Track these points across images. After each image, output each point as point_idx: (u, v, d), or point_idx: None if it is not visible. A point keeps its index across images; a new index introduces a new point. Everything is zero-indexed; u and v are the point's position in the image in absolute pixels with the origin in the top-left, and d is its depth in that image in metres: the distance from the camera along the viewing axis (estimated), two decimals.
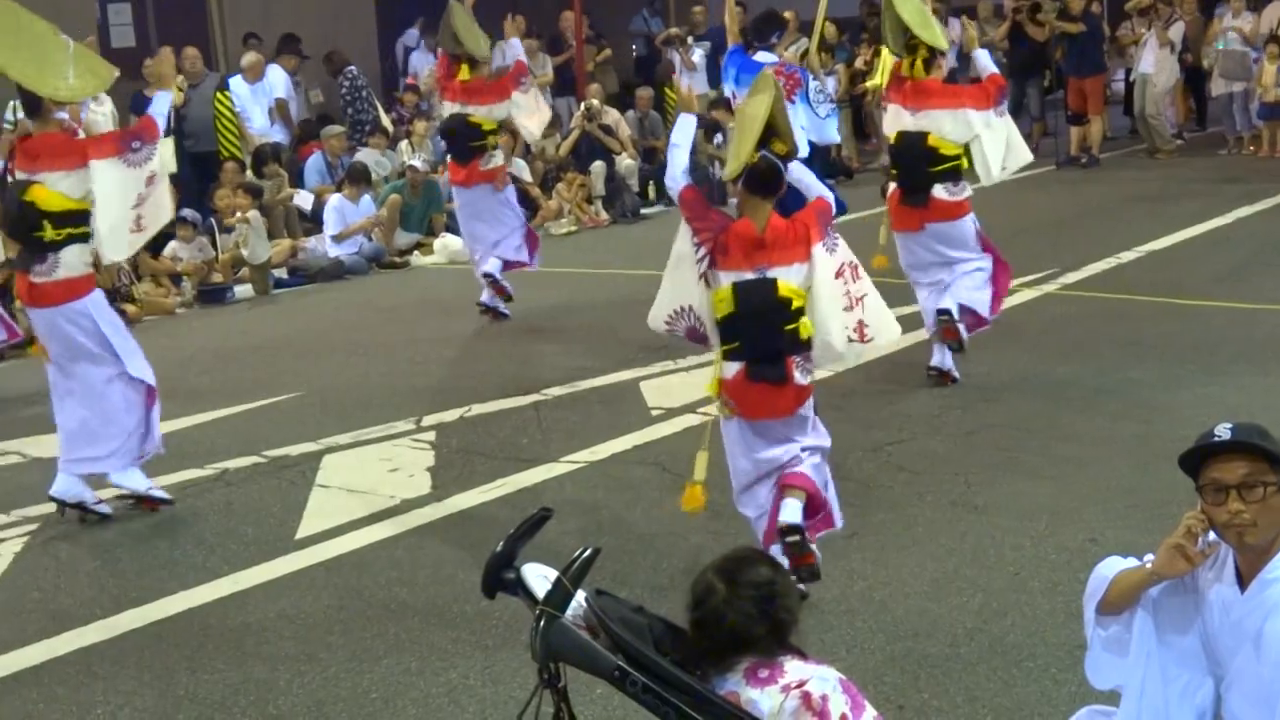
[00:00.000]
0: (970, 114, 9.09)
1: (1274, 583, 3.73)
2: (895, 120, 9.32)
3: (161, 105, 7.96)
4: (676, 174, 6.38)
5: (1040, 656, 5.59)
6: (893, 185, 9.43)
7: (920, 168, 9.08)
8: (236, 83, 16.42)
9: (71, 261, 7.60)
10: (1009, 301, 10.48)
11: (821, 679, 3.58)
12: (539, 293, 12.61)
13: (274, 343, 12.05)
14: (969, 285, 9.17)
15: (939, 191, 9.07)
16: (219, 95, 16.18)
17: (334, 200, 15.22)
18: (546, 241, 15.84)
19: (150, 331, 12.82)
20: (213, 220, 14.83)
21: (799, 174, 6.46)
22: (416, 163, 16.09)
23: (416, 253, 15.65)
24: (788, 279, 6.06)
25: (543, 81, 19.39)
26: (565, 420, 9.17)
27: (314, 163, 16.62)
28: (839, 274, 6.14)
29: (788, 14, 20.25)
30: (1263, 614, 3.72)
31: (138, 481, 7.91)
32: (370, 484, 8.12)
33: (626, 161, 18.01)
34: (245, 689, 5.74)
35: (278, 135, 17.00)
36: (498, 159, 12.02)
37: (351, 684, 5.73)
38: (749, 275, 6.06)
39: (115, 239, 7.70)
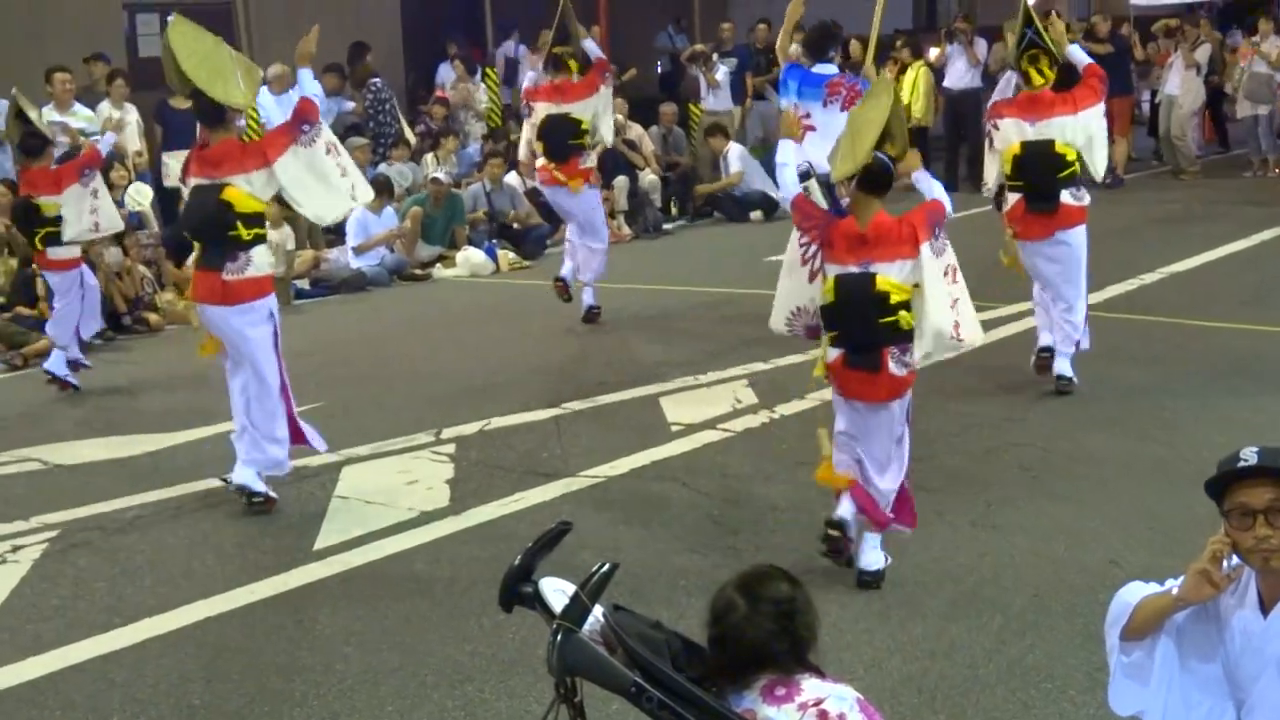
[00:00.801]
0: (1088, 113, 9.31)
1: None
2: (1015, 133, 9.40)
3: (309, 83, 8.46)
4: (787, 186, 6.84)
5: (1059, 678, 5.56)
6: (1014, 196, 9.45)
7: (1049, 176, 9.22)
8: (263, 94, 16.45)
9: (260, 261, 8.03)
10: (1028, 321, 10.47)
11: (839, 698, 3.57)
12: (560, 306, 12.61)
13: (295, 353, 11.96)
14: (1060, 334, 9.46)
15: (1066, 198, 9.22)
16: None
17: (356, 212, 15.21)
18: None
19: (172, 341, 12.88)
20: None
21: (919, 176, 6.83)
22: (440, 175, 16.14)
23: (438, 265, 15.68)
24: (888, 274, 6.37)
25: None
26: (584, 434, 9.17)
27: None
28: (946, 273, 6.47)
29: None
30: None
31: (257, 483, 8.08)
32: (389, 496, 8.13)
33: (649, 177, 18.04)
34: (261, 700, 5.74)
35: None
36: (593, 159, 12.42)
37: (367, 696, 5.72)
38: (852, 269, 6.42)
39: (325, 209, 8.46)
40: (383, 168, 16.46)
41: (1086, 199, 9.46)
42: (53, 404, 10.68)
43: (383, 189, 15.48)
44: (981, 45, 19.62)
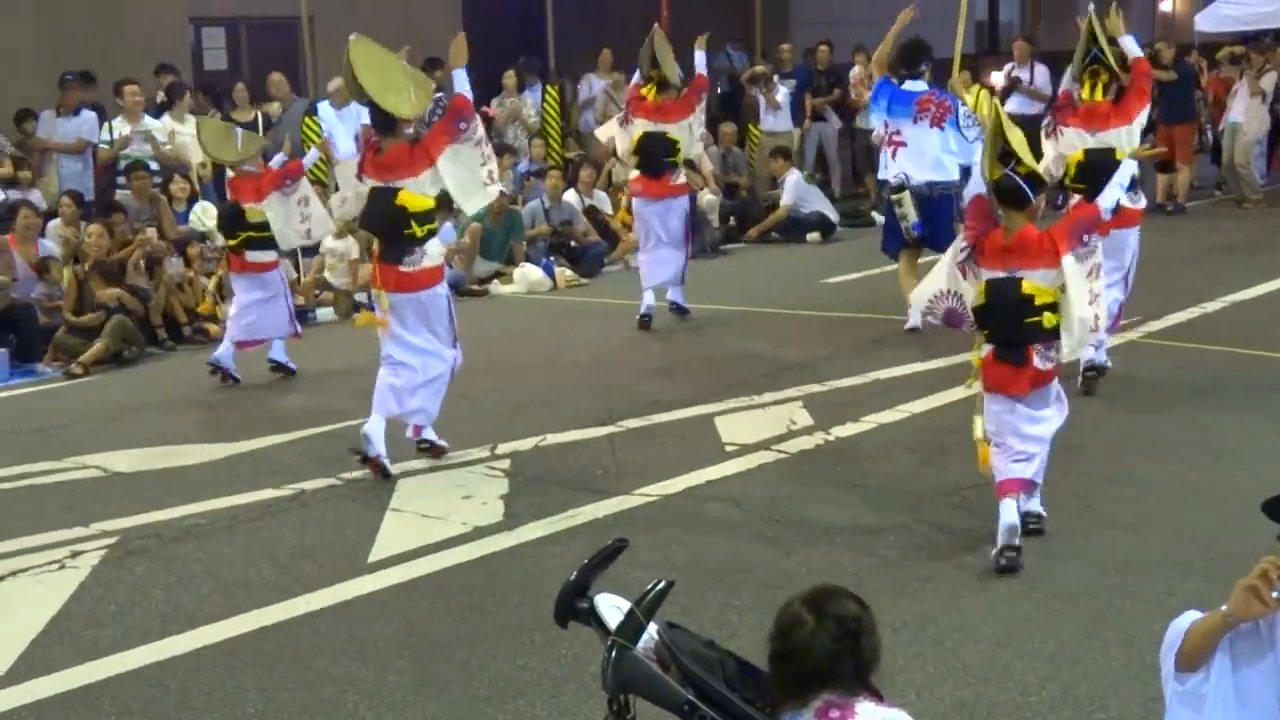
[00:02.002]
0: (1141, 115, 9.95)
1: None
2: (1077, 141, 9.97)
3: (463, 83, 9.09)
4: (973, 188, 7.51)
5: (1113, 709, 5.54)
6: (1077, 197, 9.61)
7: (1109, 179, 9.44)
8: (324, 107, 16.60)
9: (432, 253, 8.94)
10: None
11: None
12: (617, 324, 12.66)
13: (353, 367, 12.10)
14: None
15: (1125, 200, 9.28)
16: (307, 119, 16.39)
17: None
18: (626, 274, 15.94)
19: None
20: None
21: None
22: (502, 189, 16.20)
23: (496, 281, 15.75)
24: (1034, 280, 7.05)
25: None
26: (639, 453, 9.19)
27: None
28: (1089, 274, 7.09)
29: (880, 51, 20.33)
30: None
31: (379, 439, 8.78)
32: (443, 510, 8.18)
33: (708, 197, 18.05)
34: (315, 710, 5.79)
35: None
36: (683, 175, 13.15)
37: (420, 710, 5.76)
38: (1000, 274, 7.11)
39: (476, 200, 9.49)
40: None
41: (1142, 202, 10.11)
42: (113, 413, 10.80)
43: (443, 204, 15.54)
44: (1042, 71, 19.49)
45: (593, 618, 3.58)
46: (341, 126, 16.76)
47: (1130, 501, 7.96)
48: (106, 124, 15.34)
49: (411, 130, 9.11)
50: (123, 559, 7.59)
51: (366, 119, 16.95)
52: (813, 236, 18.04)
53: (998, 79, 19.70)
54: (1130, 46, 10.16)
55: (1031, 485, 7.30)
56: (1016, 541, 6.99)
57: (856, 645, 3.61)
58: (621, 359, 11.94)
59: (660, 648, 3.55)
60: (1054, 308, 7.04)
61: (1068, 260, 6.98)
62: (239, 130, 12.49)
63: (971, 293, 7.26)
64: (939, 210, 12.20)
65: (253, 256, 11.56)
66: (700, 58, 13.06)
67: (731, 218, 18.40)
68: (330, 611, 6.81)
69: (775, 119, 19.90)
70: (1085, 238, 7.09)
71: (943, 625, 6.37)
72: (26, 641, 6.50)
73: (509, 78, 19.32)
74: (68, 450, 9.65)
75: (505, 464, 9.02)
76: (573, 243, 16.56)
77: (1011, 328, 7.12)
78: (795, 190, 18.32)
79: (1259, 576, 3.69)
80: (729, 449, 9.19)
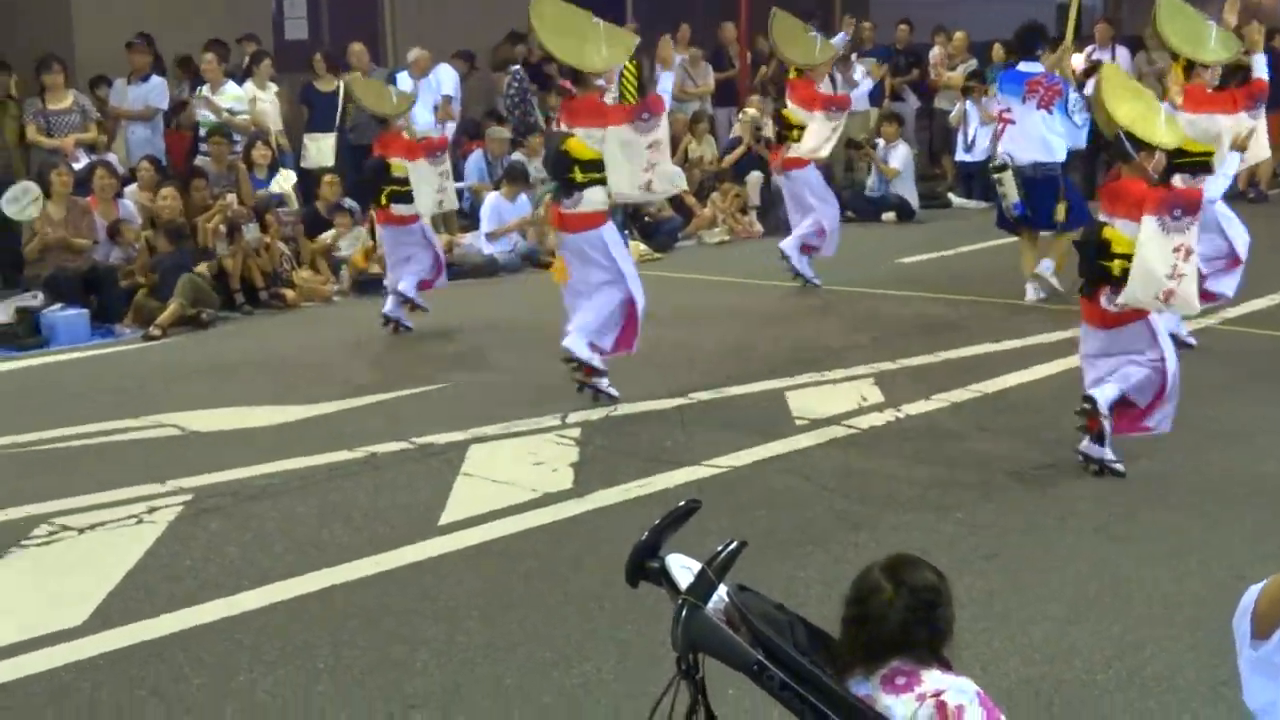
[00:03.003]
0: (1220, 119, 10.24)
1: None
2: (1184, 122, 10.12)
3: (666, 84, 9.95)
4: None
5: (1180, 690, 5.51)
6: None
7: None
8: (403, 78, 16.66)
9: (591, 199, 9.54)
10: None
11: (959, 690, 3.57)
12: (689, 298, 12.65)
13: (426, 334, 12.24)
14: None
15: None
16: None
17: (491, 199, 15.43)
18: (699, 249, 15.94)
19: (307, 317, 13.15)
20: (371, 213, 15.09)
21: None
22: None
23: None
24: (1118, 228, 7.64)
25: (703, 91, 19.48)
26: (709, 425, 9.21)
27: (474, 160, 16.85)
28: (1176, 249, 7.44)
29: (959, 34, 20.18)
30: None
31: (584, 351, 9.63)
32: (514, 476, 8.22)
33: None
34: (383, 668, 5.84)
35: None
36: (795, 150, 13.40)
37: (488, 670, 5.81)
38: (1101, 218, 7.84)
39: (623, 187, 9.65)
40: (518, 156, 16.57)
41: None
42: (190, 374, 10.93)
43: (518, 177, 15.62)
44: (1124, 55, 19.31)
45: (663, 577, 3.58)
46: (421, 100, 16.87)
47: (1201, 488, 7.90)
48: (199, 90, 15.51)
49: (602, 82, 9.63)
50: (198, 516, 7.68)
51: (445, 90, 17.18)
52: (888, 216, 17.95)
53: (1078, 61, 19.50)
54: (1259, 67, 10.53)
55: (1099, 425, 7.88)
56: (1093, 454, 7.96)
57: (931, 615, 3.61)
58: (694, 333, 11.91)
59: (730, 609, 3.55)
60: (1127, 258, 7.49)
61: (1148, 219, 7.44)
62: (392, 87, 13.21)
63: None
64: (1043, 190, 12.39)
65: (398, 209, 12.05)
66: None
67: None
68: (401, 572, 6.87)
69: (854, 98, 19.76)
70: (1177, 212, 7.45)
71: (1009, 603, 6.35)
72: (104, 593, 6.60)
73: None
74: (146, 409, 9.78)
75: (575, 433, 9.06)
76: (647, 218, 16.55)
77: (1089, 266, 7.79)
78: (904, 160, 18.23)
79: None
80: (799, 423, 9.19)
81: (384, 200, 12.07)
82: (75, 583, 6.74)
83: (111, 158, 14.53)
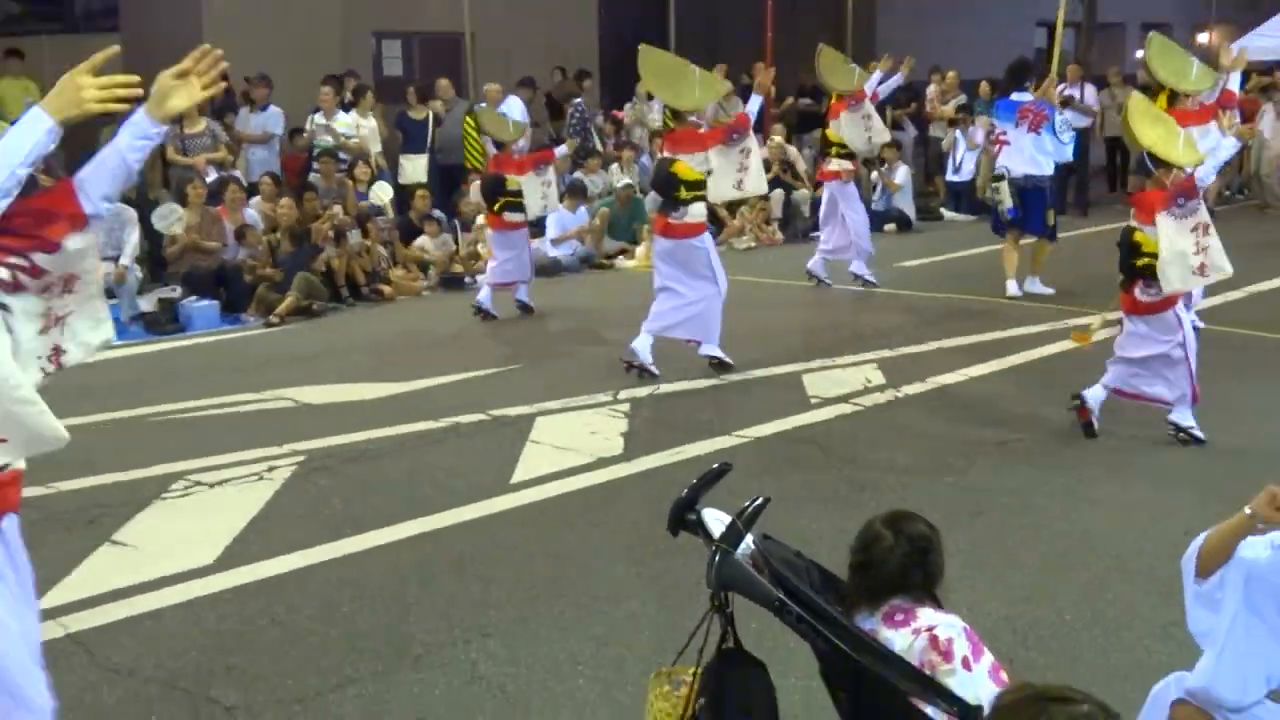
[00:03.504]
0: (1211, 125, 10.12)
1: None
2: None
3: (754, 106, 10.21)
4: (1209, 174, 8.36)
5: (1136, 630, 5.46)
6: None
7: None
8: (484, 109, 16.65)
9: (694, 212, 9.78)
10: None
11: (949, 625, 3.55)
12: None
13: (500, 324, 12.25)
14: None
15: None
16: (466, 118, 16.48)
17: (555, 211, 15.39)
18: (729, 254, 15.87)
19: (400, 309, 13.18)
20: (455, 221, 15.13)
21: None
22: (629, 180, 16.26)
23: (621, 257, 15.77)
24: (1145, 233, 7.68)
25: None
26: (738, 402, 9.18)
27: None
28: (1194, 229, 7.58)
29: (951, 74, 20.04)
30: None
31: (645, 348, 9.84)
32: (573, 443, 8.21)
33: (802, 191, 17.92)
34: (462, 602, 5.86)
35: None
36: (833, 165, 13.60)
37: (550, 605, 5.81)
38: (1132, 223, 7.83)
39: (722, 190, 9.98)
40: (578, 175, 16.57)
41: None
42: (304, 355, 10.97)
43: (578, 192, 15.62)
44: (1091, 92, 19.14)
45: (699, 527, 3.57)
46: None
47: (1158, 456, 7.83)
48: (309, 117, 15.56)
49: (695, 118, 9.88)
50: (308, 474, 7.72)
51: (514, 115, 17.21)
52: (889, 227, 17.84)
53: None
54: (1231, 82, 10.62)
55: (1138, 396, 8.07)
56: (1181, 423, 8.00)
57: (925, 561, 3.60)
58: (725, 324, 11.85)
59: (756, 555, 3.54)
60: (1154, 256, 7.56)
61: (1160, 216, 7.52)
62: (511, 118, 13.53)
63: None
64: (1033, 198, 12.59)
65: (509, 217, 12.24)
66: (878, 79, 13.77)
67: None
68: (478, 522, 6.89)
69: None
70: (1181, 200, 7.55)
71: (991, 554, 6.31)
72: (230, 538, 6.64)
73: (639, 89, 19.29)
74: (266, 385, 9.82)
75: (625, 407, 9.05)
76: None
77: (1123, 265, 7.85)
78: (904, 178, 18.18)
79: None
80: (813, 401, 9.15)
81: (498, 209, 12.27)
82: (206, 529, 6.78)
83: (237, 174, 14.61)
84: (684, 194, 9.66)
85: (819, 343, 10.99)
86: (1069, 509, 6.93)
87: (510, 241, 12.41)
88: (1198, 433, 7.95)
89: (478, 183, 13.78)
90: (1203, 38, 30.25)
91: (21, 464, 3.51)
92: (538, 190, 12.28)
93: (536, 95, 18.46)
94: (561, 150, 13.75)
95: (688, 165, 9.66)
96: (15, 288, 3.40)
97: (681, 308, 9.87)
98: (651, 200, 14.40)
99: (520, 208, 12.22)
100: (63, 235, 3.41)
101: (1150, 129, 7.74)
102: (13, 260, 3.38)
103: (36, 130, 3.36)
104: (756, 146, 10.19)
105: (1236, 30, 25.57)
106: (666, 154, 10.02)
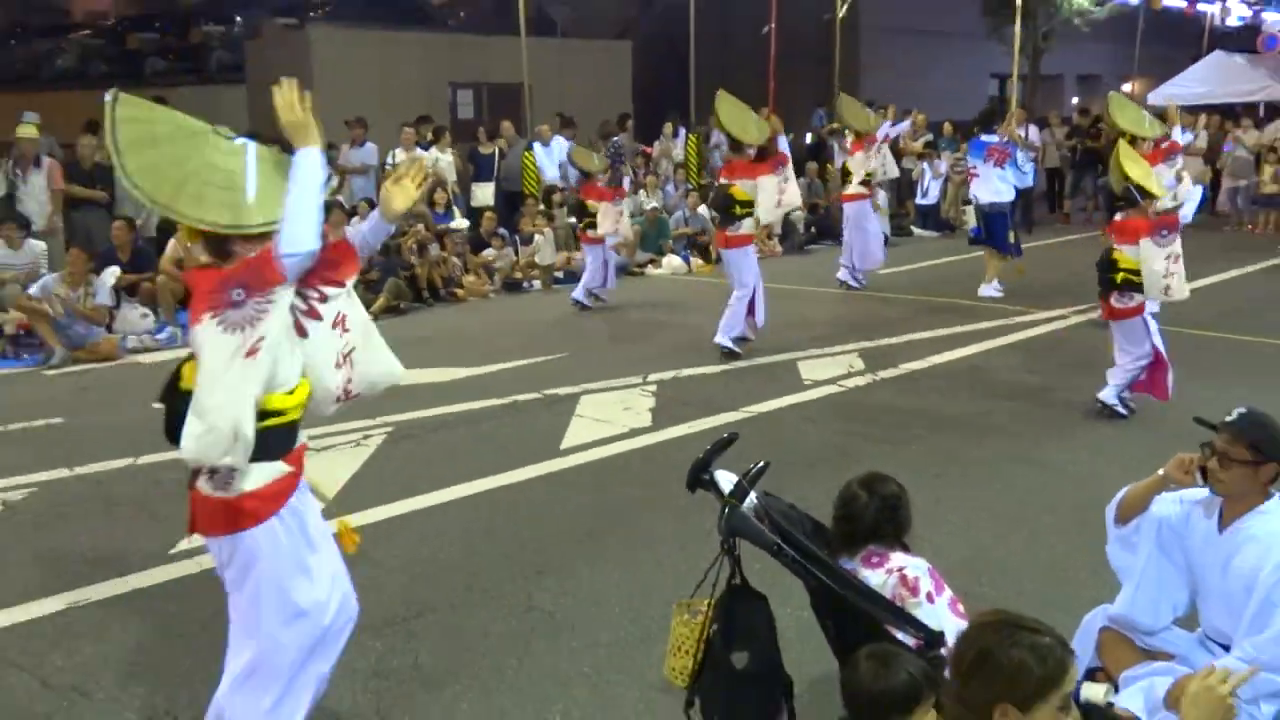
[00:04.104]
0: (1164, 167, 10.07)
1: (1242, 530, 3.58)
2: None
3: (783, 145, 10.23)
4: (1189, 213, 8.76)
5: (1072, 569, 5.43)
6: (1119, 215, 9.35)
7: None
8: (537, 146, 16.71)
9: (745, 225, 9.93)
10: (1065, 323, 10.17)
11: (916, 566, 3.55)
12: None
13: (552, 320, 12.25)
14: None
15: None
16: (526, 153, 16.51)
17: None
18: None
19: (471, 308, 13.19)
20: (516, 236, 15.13)
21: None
22: (655, 204, 16.21)
23: (650, 266, 15.72)
24: (1124, 251, 7.62)
25: None
26: (746, 383, 9.14)
27: None
28: (1168, 256, 7.54)
29: (920, 116, 19.97)
30: (1231, 550, 3.58)
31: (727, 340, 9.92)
32: (611, 417, 8.21)
33: (798, 211, 17.80)
34: (530, 546, 5.87)
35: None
36: (852, 189, 13.55)
37: (594, 552, 5.81)
38: (1111, 244, 7.76)
39: (767, 211, 10.10)
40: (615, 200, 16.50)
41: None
42: (394, 345, 10.88)
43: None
44: (1035, 132, 18.97)
45: (712, 486, 3.57)
46: (547, 158, 16.90)
47: (1094, 428, 7.76)
48: (391, 152, 15.58)
49: (751, 151, 9.96)
50: (397, 441, 7.74)
51: (563, 155, 17.24)
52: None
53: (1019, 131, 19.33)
54: (1175, 134, 10.47)
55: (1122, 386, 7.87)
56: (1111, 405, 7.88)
57: (895, 515, 3.60)
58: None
59: (759, 508, 3.55)
60: (1134, 272, 7.53)
61: (1145, 241, 7.50)
62: (595, 154, 13.54)
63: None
64: (996, 220, 12.95)
65: (591, 233, 12.65)
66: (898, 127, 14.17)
67: (813, 227, 18.18)
68: (533, 481, 6.89)
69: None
70: (1165, 232, 7.53)
71: (953, 506, 6.28)
72: (332, 494, 6.61)
73: (667, 127, 19.27)
74: None
75: (653, 388, 9.03)
76: (703, 241, 16.45)
77: (1100, 278, 7.76)
78: (884, 201, 18.14)
79: (1187, 457, 3.63)
80: (807, 383, 9.11)
81: (584, 227, 12.80)
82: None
83: (340, 199, 14.64)
84: (738, 210, 9.83)
85: (812, 335, 10.94)
86: (1015, 470, 6.88)
87: (594, 253, 12.78)
88: (1120, 410, 7.88)
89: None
90: (1126, 87, 30.04)
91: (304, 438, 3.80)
92: (612, 216, 12.63)
93: (579, 134, 18.42)
94: (626, 184, 13.84)
95: (741, 188, 9.84)
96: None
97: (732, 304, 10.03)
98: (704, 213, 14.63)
99: (594, 224, 12.61)
100: (348, 277, 3.71)
101: (1135, 166, 7.74)
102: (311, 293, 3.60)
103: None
104: (792, 174, 10.33)
105: (1154, 80, 25.43)
106: (723, 179, 10.16)
